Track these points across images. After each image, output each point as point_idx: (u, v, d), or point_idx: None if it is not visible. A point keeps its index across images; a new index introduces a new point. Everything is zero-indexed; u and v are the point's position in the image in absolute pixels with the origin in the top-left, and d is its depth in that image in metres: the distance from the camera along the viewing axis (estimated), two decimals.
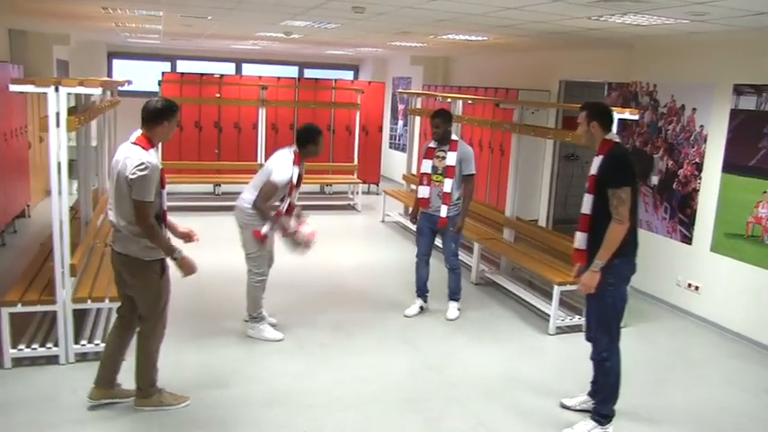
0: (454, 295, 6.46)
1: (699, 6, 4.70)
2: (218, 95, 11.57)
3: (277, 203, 5.37)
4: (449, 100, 9.10)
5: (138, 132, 4.02)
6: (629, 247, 4.08)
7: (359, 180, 11.74)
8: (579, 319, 6.21)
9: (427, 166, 6.30)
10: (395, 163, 14.29)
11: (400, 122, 14.32)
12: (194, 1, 6.47)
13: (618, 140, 4.18)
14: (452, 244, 6.32)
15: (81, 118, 5.01)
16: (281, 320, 5.92)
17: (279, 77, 12.63)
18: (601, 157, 4.09)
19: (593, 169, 4.11)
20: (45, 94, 4.52)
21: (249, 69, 15.38)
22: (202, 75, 12.11)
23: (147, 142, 3.98)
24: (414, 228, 6.60)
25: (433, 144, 6.33)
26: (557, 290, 6.09)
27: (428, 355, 5.52)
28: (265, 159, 11.72)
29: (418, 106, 10.90)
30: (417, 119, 11.00)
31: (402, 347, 5.65)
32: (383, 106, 13.21)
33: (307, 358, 5.29)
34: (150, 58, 14.74)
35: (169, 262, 4.14)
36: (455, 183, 6.15)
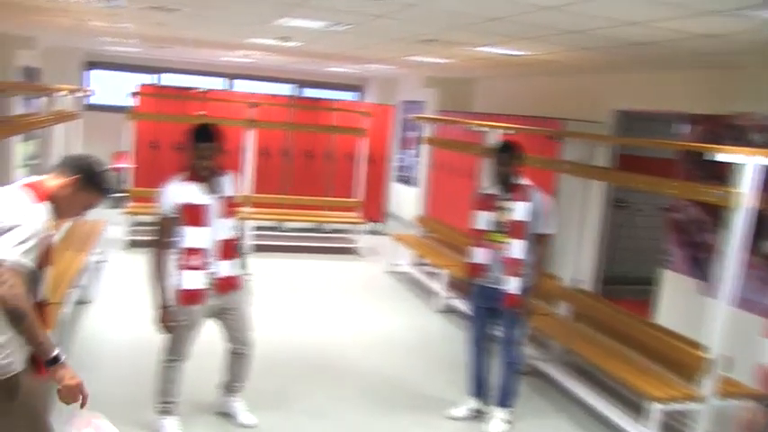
0: (504, 400, 4.61)
1: None
2: (202, 113, 9.73)
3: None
4: (485, 129, 7.10)
5: None
6: None
7: (363, 220, 9.79)
8: None
9: (484, 220, 4.54)
10: (401, 198, 12.42)
11: (409, 152, 12.48)
12: None
13: None
14: (514, 328, 4.51)
15: None
16: None
17: (273, 95, 10.80)
18: None
19: None
20: None
21: (241, 86, 13.61)
22: (184, 89, 10.34)
23: None
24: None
25: (492, 190, 4.56)
26: (656, 409, 4.20)
27: None
28: (256, 192, 10.09)
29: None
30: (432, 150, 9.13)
31: None
32: (391, 133, 11.40)
33: None
34: (133, 70, 12.95)
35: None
36: (527, 245, 4.38)
